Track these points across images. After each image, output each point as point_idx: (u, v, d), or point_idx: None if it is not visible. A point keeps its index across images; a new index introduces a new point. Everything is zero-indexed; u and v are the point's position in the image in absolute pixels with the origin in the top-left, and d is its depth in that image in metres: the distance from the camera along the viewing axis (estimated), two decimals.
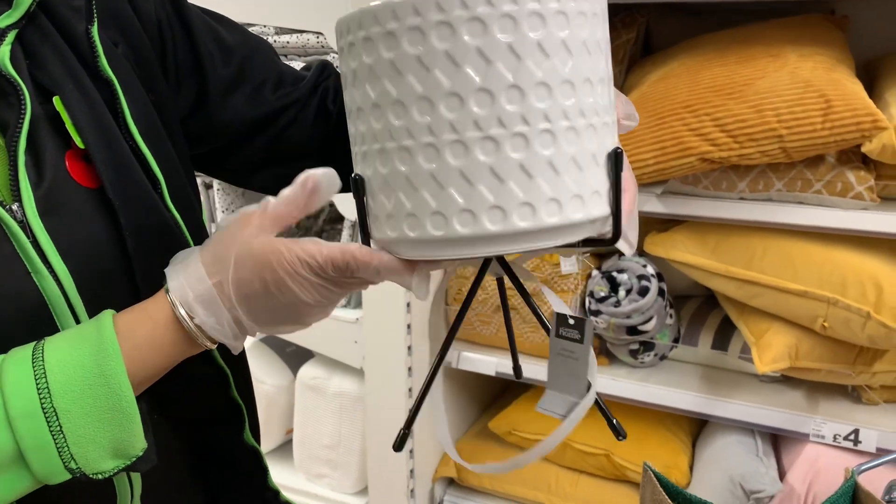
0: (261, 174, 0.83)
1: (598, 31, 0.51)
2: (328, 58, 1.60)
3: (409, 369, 1.65)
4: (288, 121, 0.79)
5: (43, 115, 0.59)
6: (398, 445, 0.61)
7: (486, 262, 0.63)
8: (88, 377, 0.52)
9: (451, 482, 1.80)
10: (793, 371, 1.40)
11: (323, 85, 0.82)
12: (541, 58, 0.47)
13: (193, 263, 0.57)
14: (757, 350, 1.37)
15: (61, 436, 0.50)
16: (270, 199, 0.57)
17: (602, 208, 0.52)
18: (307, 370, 1.85)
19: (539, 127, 0.47)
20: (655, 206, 1.39)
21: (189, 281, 0.56)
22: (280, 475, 1.90)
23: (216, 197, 1.90)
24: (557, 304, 0.63)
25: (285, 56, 1.69)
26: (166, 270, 0.59)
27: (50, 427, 0.50)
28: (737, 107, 1.25)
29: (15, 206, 0.56)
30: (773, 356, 1.34)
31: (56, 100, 0.60)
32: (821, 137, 1.21)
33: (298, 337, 1.78)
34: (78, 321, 0.58)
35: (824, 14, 1.45)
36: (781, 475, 1.41)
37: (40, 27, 0.61)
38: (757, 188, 1.32)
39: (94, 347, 0.53)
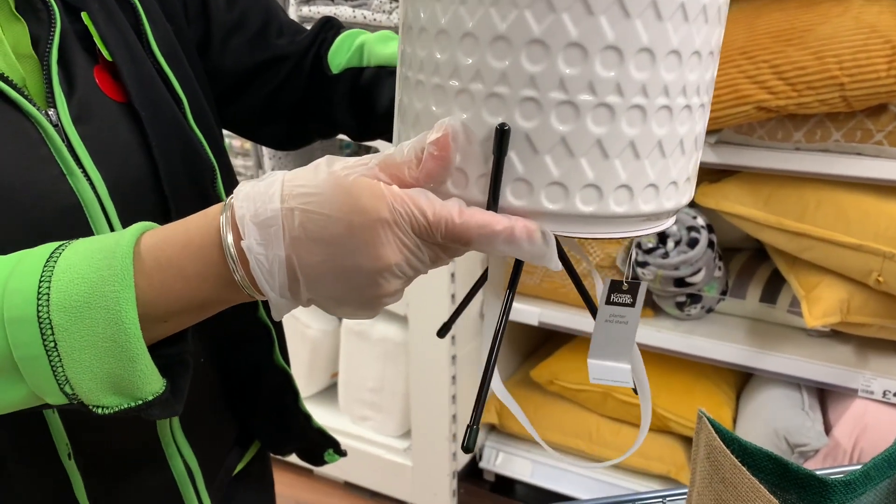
0: (267, 128, 0.83)
1: None
2: (375, 3, 1.58)
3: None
4: (287, 71, 0.79)
5: (72, 31, 0.62)
6: (468, 444, 0.47)
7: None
8: (89, 295, 0.44)
9: (492, 428, 1.83)
10: (843, 326, 1.38)
11: (321, 39, 0.81)
12: (681, 20, 0.42)
13: (270, 179, 0.45)
14: (807, 304, 1.35)
15: (55, 353, 0.44)
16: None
17: (690, 194, 0.49)
18: None
19: (696, 101, 0.44)
20: (708, 155, 1.36)
21: (256, 195, 0.44)
22: (325, 417, 1.95)
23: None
24: (603, 288, 0.58)
25: (332, 0, 1.67)
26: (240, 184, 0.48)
27: (44, 340, 0.44)
28: (796, 53, 1.21)
29: (51, 112, 0.59)
30: (824, 310, 1.32)
31: (84, 15, 0.62)
32: (885, 86, 1.16)
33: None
34: (111, 227, 0.59)
35: None
36: (827, 430, 1.40)
37: None
38: (814, 138, 1.28)
39: (104, 262, 0.45)
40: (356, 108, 0.78)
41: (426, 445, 1.79)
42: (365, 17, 1.58)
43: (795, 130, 1.29)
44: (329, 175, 0.43)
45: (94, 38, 0.62)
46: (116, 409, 0.46)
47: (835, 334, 1.47)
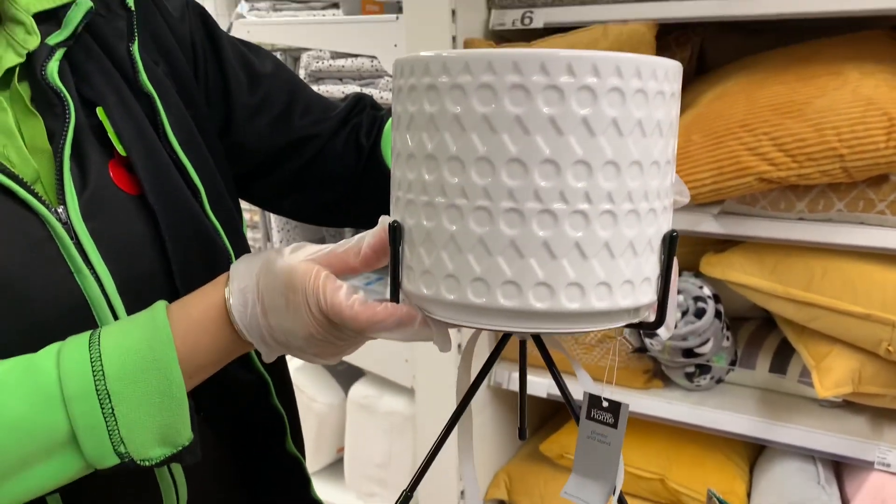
0: (289, 199, 0.84)
1: (673, 111, 0.48)
2: (382, 82, 1.62)
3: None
4: (315, 150, 0.80)
5: (87, 125, 0.63)
6: None
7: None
8: (141, 362, 0.53)
9: (501, 503, 1.79)
10: (855, 396, 1.36)
11: (355, 119, 0.82)
12: (615, 135, 0.45)
13: (257, 257, 0.57)
14: (818, 374, 1.33)
15: (112, 418, 0.52)
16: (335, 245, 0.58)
17: (650, 296, 0.49)
18: (358, 389, 1.86)
19: (602, 207, 0.45)
20: (712, 226, 1.37)
21: (244, 270, 0.56)
22: (331, 493, 1.91)
23: (272, 216, 1.94)
24: (588, 383, 0.59)
25: (340, 80, 1.72)
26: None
27: (103, 409, 0.51)
28: (795, 125, 1.23)
29: (60, 209, 0.59)
30: (835, 380, 1.30)
31: (99, 110, 0.63)
32: (884, 157, 1.18)
33: (349, 355, 1.79)
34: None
35: (886, 30, 1.42)
36: None
37: (86, 46, 0.66)
38: (816, 208, 1.29)
39: (148, 333, 0.54)
40: None
41: None
42: (373, 96, 1.62)
43: (798, 201, 1.30)
44: (288, 258, 0.54)
45: (109, 133, 0.63)
46: (162, 459, 0.54)
47: (848, 405, 1.45)
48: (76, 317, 0.59)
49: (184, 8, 0.76)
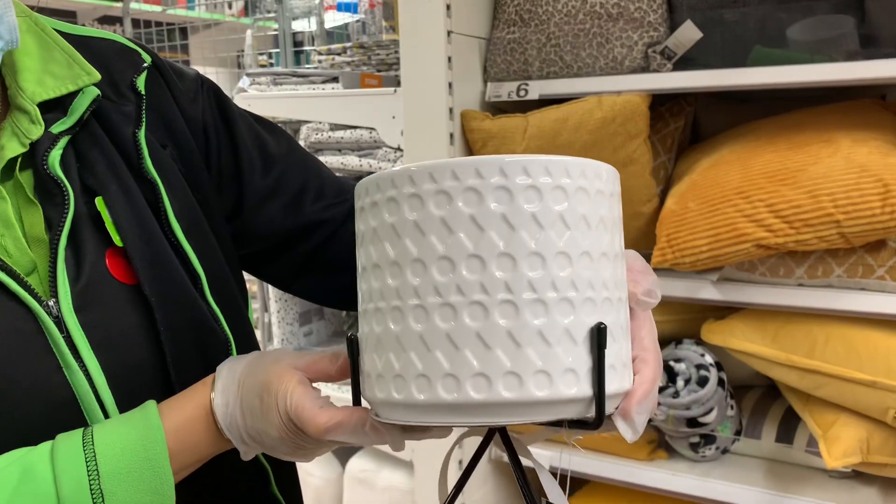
0: (300, 282, 0.83)
1: (603, 209, 0.50)
2: (380, 153, 1.64)
3: (460, 462, 1.61)
4: (326, 235, 0.79)
5: (87, 213, 0.63)
6: None
7: (491, 432, 0.60)
8: (136, 461, 0.54)
9: None
10: (865, 466, 1.33)
11: None
12: (535, 229, 0.47)
13: (242, 359, 0.60)
14: (825, 444, 1.30)
15: None
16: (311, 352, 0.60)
17: (575, 389, 0.48)
18: (356, 462, 1.82)
19: (527, 296, 0.46)
20: (711, 293, 1.36)
21: (227, 372, 0.59)
22: None
23: (270, 289, 1.93)
24: (556, 494, 0.57)
25: (339, 150, 1.74)
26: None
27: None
28: (790, 192, 1.24)
29: (52, 302, 0.59)
30: (843, 450, 1.28)
31: (98, 200, 0.63)
32: (881, 223, 1.18)
33: None
34: (107, 416, 0.60)
35: (873, 99, 1.45)
36: None
37: (91, 132, 0.66)
38: (816, 274, 1.29)
39: (142, 433, 0.55)
40: None
41: None
42: (371, 166, 1.64)
43: (797, 267, 1.30)
44: (270, 362, 0.57)
45: (107, 224, 0.63)
46: None
47: (857, 475, 1.42)
48: (63, 412, 0.58)
49: (197, 88, 0.75)
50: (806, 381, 1.33)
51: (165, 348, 0.62)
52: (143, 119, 0.68)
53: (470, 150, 1.54)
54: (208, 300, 0.66)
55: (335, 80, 1.72)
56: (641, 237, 1.45)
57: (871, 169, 1.20)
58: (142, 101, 0.68)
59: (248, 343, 0.73)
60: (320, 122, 1.75)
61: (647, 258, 1.42)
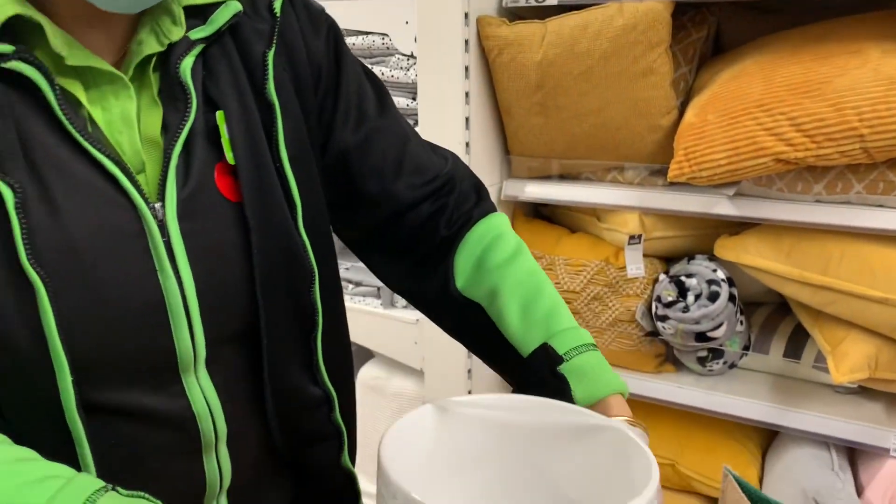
0: (360, 253, 0.84)
1: None
2: (392, 60, 1.60)
3: (469, 371, 1.64)
4: (391, 212, 0.78)
5: (203, 125, 0.64)
6: None
7: None
8: None
9: None
10: (871, 382, 1.34)
11: (443, 200, 0.80)
12: None
13: None
14: (833, 359, 1.31)
15: None
16: None
17: None
18: (368, 370, 1.85)
19: None
20: (726, 208, 1.35)
21: None
22: None
23: None
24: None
25: None
26: None
27: None
28: (814, 105, 1.20)
29: (158, 206, 0.61)
30: (851, 366, 1.28)
31: (219, 114, 0.64)
32: None
33: (359, 337, 1.79)
34: (191, 327, 0.61)
35: None
36: (859, 491, 1.35)
37: (223, 46, 0.67)
38: (835, 190, 1.27)
39: None
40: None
41: None
42: (383, 74, 1.60)
43: (815, 182, 1.28)
44: None
45: (222, 139, 0.64)
46: None
47: (863, 391, 1.43)
48: (150, 315, 0.60)
49: (322, 24, 0.75)
50: (818, 298, 1.33)
51: (256, 269, 0.64)
52: (275, 41, 0.68)
53: (485, 59, 1.50)
54: (300, 230, 0.68)
55: None
56: (659, 151, 1.43)
57: None
58: (276, 23, 0.69)
59: (333, 280, 0.75)
60: None
61: (664, 172, 1.40)
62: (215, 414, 0.65)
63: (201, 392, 0.64)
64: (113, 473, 0.60)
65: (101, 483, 0.52)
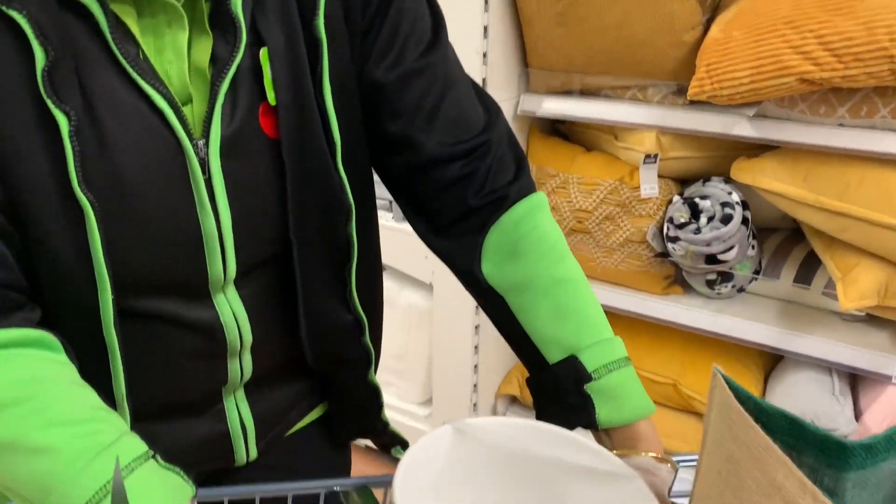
0: (389, 188, 0.78)
1: None
2: None
3: (477, 327, 1.65)
4: (414, 164, 0.72)
5: (250, 61, 0.63)
6: None
7: None
8: None
9: (513, 399, 1.82)
10: (879, 310, 1.34)
11: (473, 165, 0.71)
12: None
13: None
14: (843, 286, 1.30)
15: None
16: None
17: None
18: None
19: None
20: (746, 129, 1.32)
21: None
22: None
23: None
24: None
25: None
26: None
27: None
28: (844, 23, 1.16)
29: (201, 143, 0.61)
30: (860, 293, 1.28)
31: (263, 52, 0.63)
32: None
33: None
34: (224, 260, 0.64)
35: None
36: (857, 416, 1.36)
37: None
38: (859, 114, 1.23)
39: None
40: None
41: (447, 413, 1.79)
42: None
43: (839, 105, 1.24)
44: None
45: (265, 80, 0.63)
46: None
47: (870, 319, 1.43)
48: (187, 247, 0.62)
49: None
50: (832, 224, 1.32)
51: (290, 206, 0.65)
52: None
53: None
54: (339, 168, 0.67)
55: None
56: (681, 67, 1.39)
57: None
58: None
59: (370, 216, 0.75)
60: None
61: (685, 91, 1.36)
62: (241, 325, 0.68)
63: (229, 306, 0.67)
64: (141, 373, 0.64)
65: (143, 449, 0.55)
